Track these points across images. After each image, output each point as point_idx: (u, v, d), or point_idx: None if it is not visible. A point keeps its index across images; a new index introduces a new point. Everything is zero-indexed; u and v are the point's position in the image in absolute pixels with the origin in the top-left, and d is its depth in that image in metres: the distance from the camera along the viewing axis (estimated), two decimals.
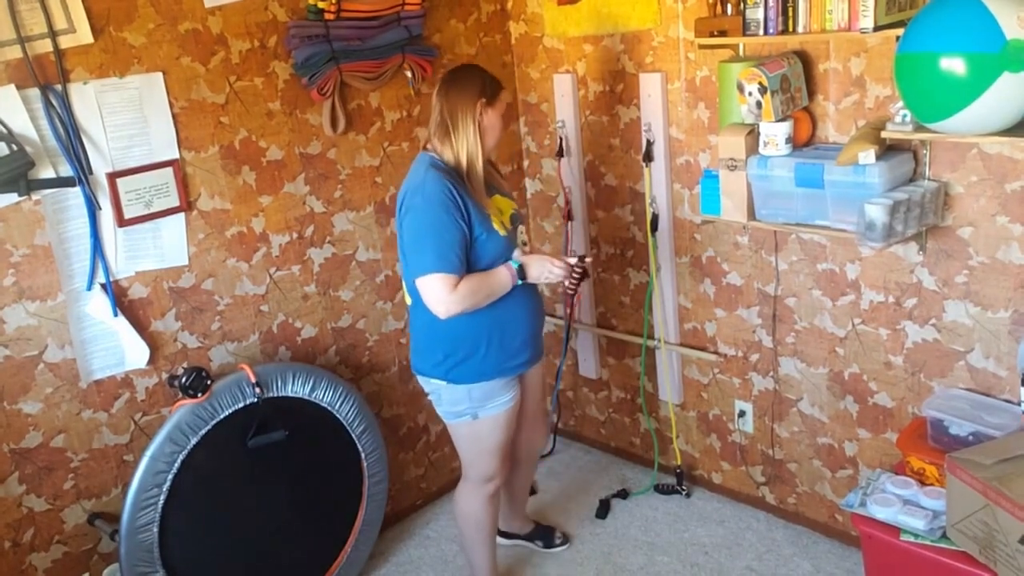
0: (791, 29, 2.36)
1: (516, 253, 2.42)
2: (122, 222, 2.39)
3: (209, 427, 2.44)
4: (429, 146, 2.40)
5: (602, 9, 2.98)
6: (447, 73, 2.42)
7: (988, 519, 1.97)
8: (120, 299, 2.44)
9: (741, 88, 2.41)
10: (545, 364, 2.88)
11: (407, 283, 2.42)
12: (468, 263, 2.31)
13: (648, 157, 2.96)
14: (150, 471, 2.34)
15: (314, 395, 2.66)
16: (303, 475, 2.68)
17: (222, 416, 2.46)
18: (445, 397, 2.47)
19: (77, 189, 2.30)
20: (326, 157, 2.84)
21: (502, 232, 2.36)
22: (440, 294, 2.24)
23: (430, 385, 2.49)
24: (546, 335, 2.80)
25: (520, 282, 2.37)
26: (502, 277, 2.34)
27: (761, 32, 2.40)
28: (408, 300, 2.48)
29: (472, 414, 2.46)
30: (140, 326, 2.48)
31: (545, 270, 2.38)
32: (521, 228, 2.53)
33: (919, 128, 2.16)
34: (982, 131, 2.04)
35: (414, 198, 2.28)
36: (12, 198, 2.21)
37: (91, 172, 2.32)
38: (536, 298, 2.53)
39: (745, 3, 2.40)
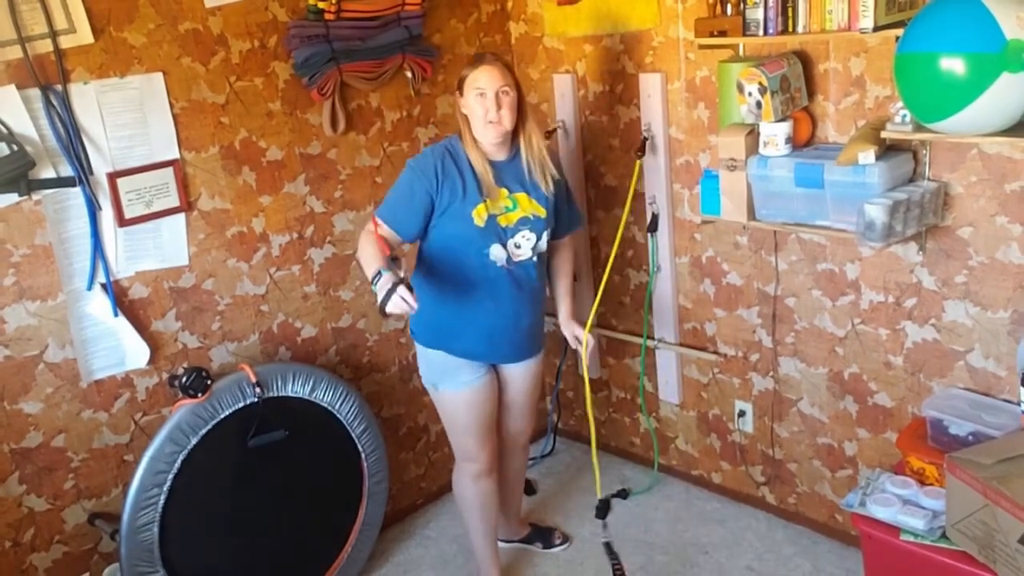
0: (791, 29, 2.36)
1: (497, 250, 2.40)
2: (122, 222, 2.40)
3: (209, 427, 2.44)
4: None
5: (602, 9, 2.98)
6: None
7: (988, 519, 1.97)
8: (120, 299, 2.44)
9: (741, 88, 2.41)
10: (545, 364, 2.88)
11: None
12: (430, 235, 2.43)
13: (641, 151, 2.94)
14: (150, 471, 2.34)
15: (314, 395, 2.66)
16: (303, 475, 2.68)
17: (222, 416, 2.46)
18: (419, 358, 2.63)
19: (77, 189, 2.30)
20: (326, 157, 2.84)
21: (478, 222, 2.37)
22: (369, 225, 2.37)
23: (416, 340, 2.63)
24: (546, 335, 2.79)
25: (372, 280, 2.21)
26: (372, 262, 2.23)
27: (761, 32, 2.40)
28: None
29: (433, 384, 2.60)
30: (140, 326, 2.48)
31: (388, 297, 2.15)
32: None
33: (919, 128, 2.16)
34: (982, 131, 2.04)
35: (410, 161, 2.46)
36: (12, 198, 2.21)
37: (91, 172, 2.32)
38: (516, 303, 2.50)
39: (745, 3, 2.40)
